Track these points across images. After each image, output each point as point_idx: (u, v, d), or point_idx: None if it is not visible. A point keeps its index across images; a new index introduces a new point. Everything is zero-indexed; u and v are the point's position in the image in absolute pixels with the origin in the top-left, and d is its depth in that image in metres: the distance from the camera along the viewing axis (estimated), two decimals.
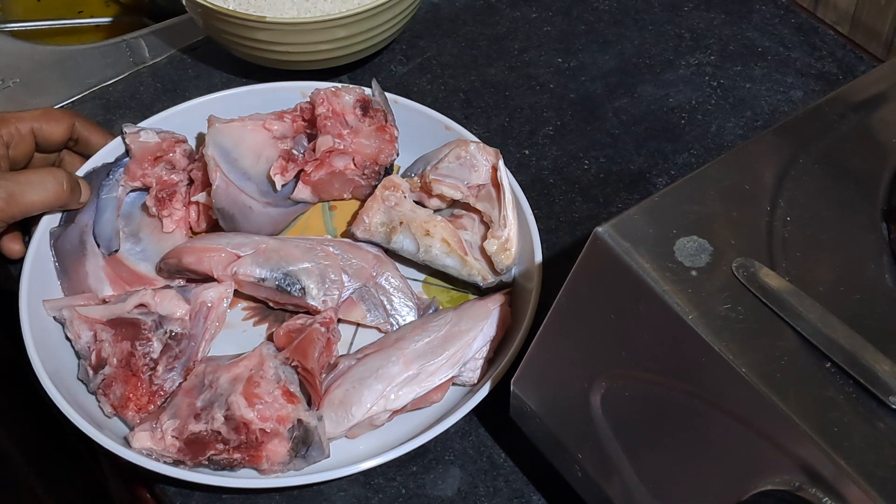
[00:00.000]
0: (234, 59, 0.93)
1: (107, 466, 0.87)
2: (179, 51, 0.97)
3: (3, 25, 1.14)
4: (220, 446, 0.67)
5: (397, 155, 0.83)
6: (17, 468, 1.18)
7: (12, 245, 0.79)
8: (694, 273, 0.52)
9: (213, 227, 0.81)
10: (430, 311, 0.77)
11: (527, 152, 0.89)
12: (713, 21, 1.00)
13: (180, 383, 0.71)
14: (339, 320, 0.76)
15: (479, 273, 0.77)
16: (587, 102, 0.93)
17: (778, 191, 0.57)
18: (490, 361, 0.74)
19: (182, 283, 0.78)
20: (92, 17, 1.19)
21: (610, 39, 0.99)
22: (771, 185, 0.57)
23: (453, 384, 0.73)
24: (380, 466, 0.69)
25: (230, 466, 0.68)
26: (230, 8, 0.86)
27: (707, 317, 0.51)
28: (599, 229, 0.54)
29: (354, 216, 0.81)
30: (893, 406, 0.47)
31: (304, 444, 0.67)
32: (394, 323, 0.77)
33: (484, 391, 0.70)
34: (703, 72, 0.96)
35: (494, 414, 0.72)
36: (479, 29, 0.99)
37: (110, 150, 0.81)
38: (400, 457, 0.68)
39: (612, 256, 0.53)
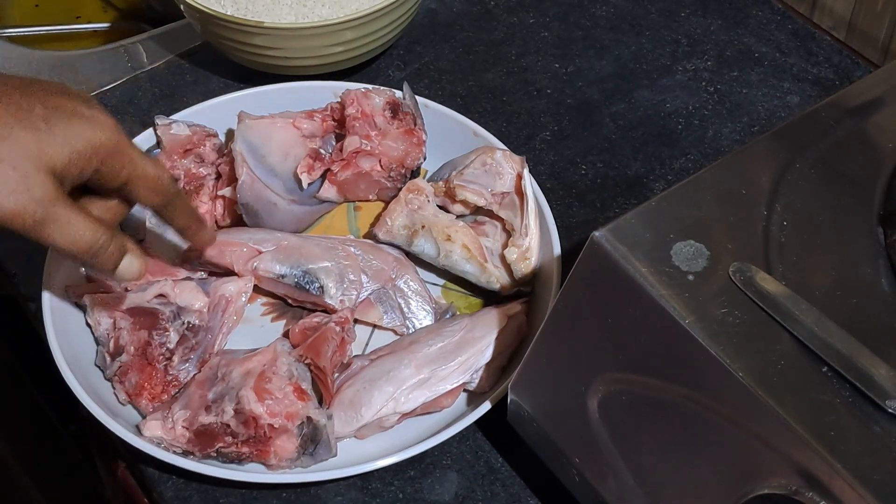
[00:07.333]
0: (231, 64, 0.93)
1: (105, 474, 0.87)
2: (177, 56, 0.97)
3: (0, 31, 1.14)
4: (229, 439, 0.67)
5: (424, 159, 0.83)
6: (15, 475, 1.18)
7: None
8: (691, 277, 0.52)
9: (237, 221, 0.81)
10: (447, 316, 0.77)
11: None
12: (710, 27, 1.00)
13: (194, 375, 0.72)
14: (356, 321, 0.76)
15: (497, 280, 0.77)
16: (584, 108, 0.94)
17: (774, 195, 0.57)
18: (504, 369, 0.73)
19: (203, 275, 0.78)
20: (90, 22, 1.19)
21: (607, 45, 0.99)
22: (767, 189, 0.57)
23: (464, 391, 0.73)
24: (377, 470, 0.69)
25: (238, 460, 0.68)
26: (228, 13, 0.86)
27: (704, 321, 0.51)
28: (596, 234, 0.54)
29: (378, 217, 0.81)
30: (890, 410, 0.47)
31: (313, 441, 0.67)
32: (410, 326, 0.77)
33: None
34: (699, 77, 0.96)
35: (492, 419, 0.72)
36: (477, 34, 1.00)
37: (141, 141, 0.81)
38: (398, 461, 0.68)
39: (608, 261, 0.54)
